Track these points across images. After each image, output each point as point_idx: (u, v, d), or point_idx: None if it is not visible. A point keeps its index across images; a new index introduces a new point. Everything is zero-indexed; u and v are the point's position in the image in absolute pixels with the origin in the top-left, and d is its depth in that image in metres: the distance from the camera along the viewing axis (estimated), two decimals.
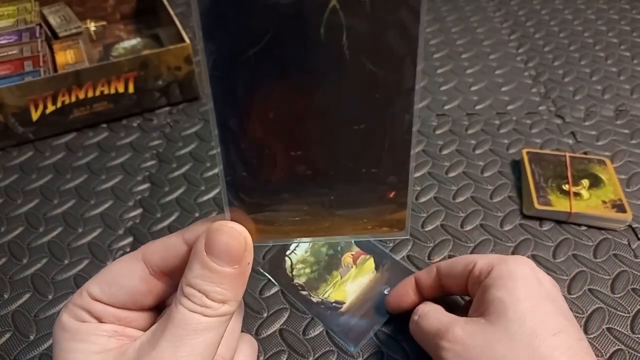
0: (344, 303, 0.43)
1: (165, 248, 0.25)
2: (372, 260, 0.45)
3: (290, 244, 0.46)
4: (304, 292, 0.43)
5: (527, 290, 0.32)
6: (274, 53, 0.21)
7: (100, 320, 0.25)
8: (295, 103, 0.23)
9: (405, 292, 0.40)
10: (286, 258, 0.46)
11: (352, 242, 0.46)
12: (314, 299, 0.43)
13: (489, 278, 0.33)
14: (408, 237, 0.48)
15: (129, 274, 0.25)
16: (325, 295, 0.43)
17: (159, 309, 0.27)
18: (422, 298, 0.40)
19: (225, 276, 0.23)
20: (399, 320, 0.41)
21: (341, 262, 0.45)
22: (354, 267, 0.45)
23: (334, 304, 0.42)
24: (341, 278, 0.44)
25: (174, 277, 0.25)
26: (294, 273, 0.45)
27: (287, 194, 0.24)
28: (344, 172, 0.24)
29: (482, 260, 0.35)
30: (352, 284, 0.44)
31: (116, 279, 0.25)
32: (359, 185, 0.25)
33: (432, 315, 0.35)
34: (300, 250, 0.46)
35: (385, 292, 0.43)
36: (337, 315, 0.42)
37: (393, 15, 0.21)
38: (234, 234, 0.23)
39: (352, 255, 0.46)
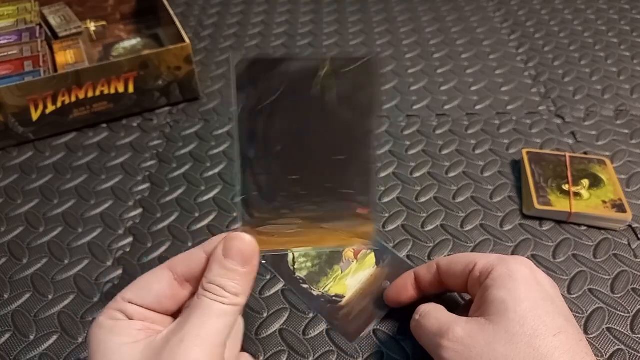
0: (344, 297, 0.43)
1: (188, 257, 0.31)
2: (372, 255, 0.46)
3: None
4: (305, 286, 0.44)
5: (527, 290, 0.32)
6: (283, 103, 0.29)
7: (130, 319, 0.30)
8: (295, 139, 0.30)
9: (404, 287, 0.40)
10: (288, 252, 0.46)
11: None
12: (315, 293, 0.43)
13: (490, 279, 0.34)
14: (408, 237, 0.48)
15: (156, 279, 0.31)
16: (326, 289, 0.43)
17: (177, 316, 0.31)
18: (421, 293, 0.40)
19: (239, 274, 0.29)
20: (398, 320, 0.41)
21: (342, 256, 0.46)
22: (355, 261, 0.45)
23: (334, 298, 0.43)
24: (342, 272, 0.45)
25: (193, 284, 0.31)
26: (295, 266, 0.45)
27: (286, 210, 0.31)
28: (328, 192, 0.31)
29: (482, 261, 0.35)
30: (352, 278, 0.44)
31: (146, 283, 0.31)
32: (339, 203, 0.32)
33: (433, 314, 0.36)
34: None
35: (385, 286, 0.43)
36: (336, 309, 0.42)
37: (362, 80, 0.29)
38: (246, 241, 0.30)
39: (354, 250, 0.46)
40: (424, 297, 0.40)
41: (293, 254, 0.45)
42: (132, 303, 0.30)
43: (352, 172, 0.31)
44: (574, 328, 0.32)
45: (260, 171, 0.30)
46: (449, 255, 0.46)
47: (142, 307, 0.30)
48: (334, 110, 0.30)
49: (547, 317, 0.31)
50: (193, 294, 0.31)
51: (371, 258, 0.45)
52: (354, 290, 0.43)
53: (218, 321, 0.28)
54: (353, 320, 0.41)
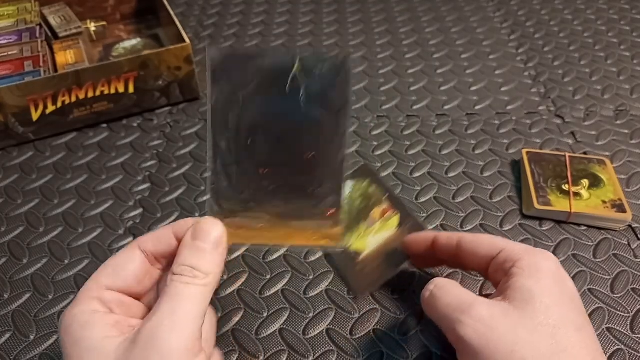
0: (362, 254, 0.44)
1: (157, 236, 0.32)
2: (397, 217, 0.45)
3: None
4: None
5: (553, 284, 0.32)
6: (255, 98, 0.30)
7: (108, 307, 0.30)
8: (266, 134, 0.31)
9: (424, 240, 0.40)
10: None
11: (384, 197, 0.46)
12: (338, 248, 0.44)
13: (517, 267, 0.33)
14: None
15: (130, 260, 0.31)
16: (349, 245, 0.44)
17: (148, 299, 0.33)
18: (433, 255, 0.39)
19: (208, 252, 0.30)
20: (398, 319, 0.41)
21: (370, 215, 0.46)
22: (380, 221, 0.45)
23: (353, 254, 0.44)
24: (366, 230, 0.45)
25: (163, 263, 0.32)
26: None
27: (253, 203, 0.32)
28: (297, 189, 0.32)
29: (509, 248, 0.35)
30: (373, 237, 0.45)
31: (121, 265, 0.31)
32: (307, 202, 0.32)
33: (450, 289, 0.35)
34: None
35: (400, 249, 0.43)
36: (353, 264, 0.44)
37: (333, 80, 0.30)
38: (214, 224, 0.31)
39: (382, 210, 0.46)
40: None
41: None
42: (109, 289, 0.30)
43: (321, 171, 0.32)
44: (592, 327, 0.32)
45: (230, 162, 0.31)
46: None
47: (120, 290, 0.30)
48: (305, 108, 0.30)
49: (571, 312, 0.31)
50: (164, 271, 0.32)
51: (395, 220, 0.45)
52: (372, 248, 0.44)
53: (190, 306, 0.28)
54: (364, 277, 0.43)
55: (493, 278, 0.36)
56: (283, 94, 0.30)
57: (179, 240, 0.31)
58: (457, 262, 0.38)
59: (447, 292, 0.34)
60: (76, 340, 0.28)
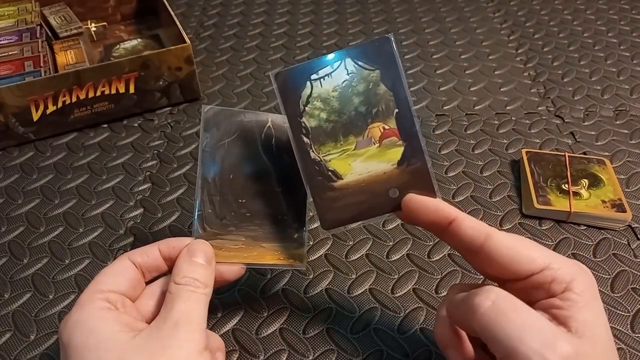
0: (341, 179, 0.35)
1: (144, 251, 0.35)
2: (401, 150, 0.35)
3: (317, 73, 0.36)
4: (305, 139, 0.36)
5: (603, 310, 0.31)
6: (236, 143, 0.38)
7: (115, 306, 0.32)
8: (243, 171, 0.38)
9: (435, 215, 0.33)
10: (308, 83, 0.36)
11: (394, 114, 0.35)
12: (312, 155, 0.36)
13: (574, 292, 0.30)
14: (408, 236, 0.48)
15: (124, 269, 0.34)
16: (326, 158, 0.36)
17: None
18: (439, 232, 0.34)
19: (205, 268, 0.34)
20: (398, 317, 0.42)
21: (367, 130, 0.35)
22: (377, 145, 0.35)
23: (329, 173, 0.36)
24: (354, 149, 0.36)
25: (147, 276, 0.35)
26: (306, 108, 0.36)
27: (232, 227, 0.37)
28: (268, 216, 0.38)
29: (555, 264, 0.31)
30: (361, 163, 0.35)
31: (116, 272, 0.34)
32: (277, 227, 0.38)
33: (518, 305, 0.29)
34: (329, 84, 0.35)
35: (392, 195, 0.35)
36: (326, 187, 0.35)
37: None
38: (205, 245, 0.35)
39: (384, 129, 0.35)
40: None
41: (312, 87, 0.36)
42: (112, 292, 0.32)
43: (287, 202, 0.38)
44: None
45: (215, 192, 0.37)
46: (448, 254, 0.46)
47: (120, 293, 0.33)
48: (275, 153, 0.39)
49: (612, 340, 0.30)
50: (149, 282, 0.35)
51: (397, 152, 0.35)
52: (356, 177, 0.35)
53: (202, 309, 0.32)
54: (337, 209, 0.35)
55: (525, 294, 0.31)
56: (259, 142, 0.39)
57: (164, 256, 0.35)
58: (473, 261, 0.33)
59: (515, 309, 0.29)
60: (91, 331, 0.29)
